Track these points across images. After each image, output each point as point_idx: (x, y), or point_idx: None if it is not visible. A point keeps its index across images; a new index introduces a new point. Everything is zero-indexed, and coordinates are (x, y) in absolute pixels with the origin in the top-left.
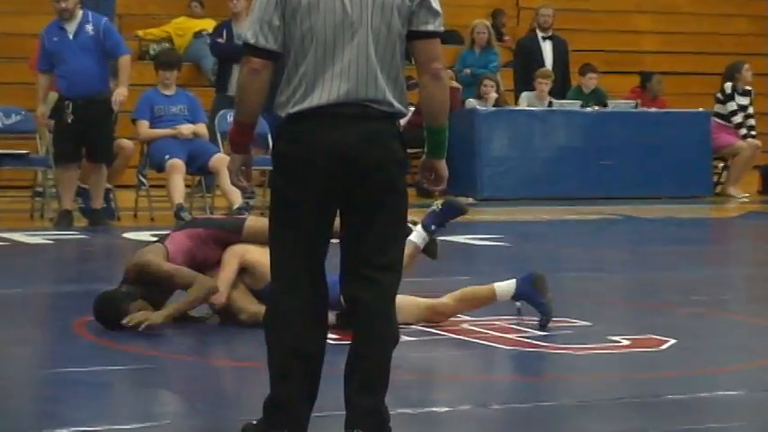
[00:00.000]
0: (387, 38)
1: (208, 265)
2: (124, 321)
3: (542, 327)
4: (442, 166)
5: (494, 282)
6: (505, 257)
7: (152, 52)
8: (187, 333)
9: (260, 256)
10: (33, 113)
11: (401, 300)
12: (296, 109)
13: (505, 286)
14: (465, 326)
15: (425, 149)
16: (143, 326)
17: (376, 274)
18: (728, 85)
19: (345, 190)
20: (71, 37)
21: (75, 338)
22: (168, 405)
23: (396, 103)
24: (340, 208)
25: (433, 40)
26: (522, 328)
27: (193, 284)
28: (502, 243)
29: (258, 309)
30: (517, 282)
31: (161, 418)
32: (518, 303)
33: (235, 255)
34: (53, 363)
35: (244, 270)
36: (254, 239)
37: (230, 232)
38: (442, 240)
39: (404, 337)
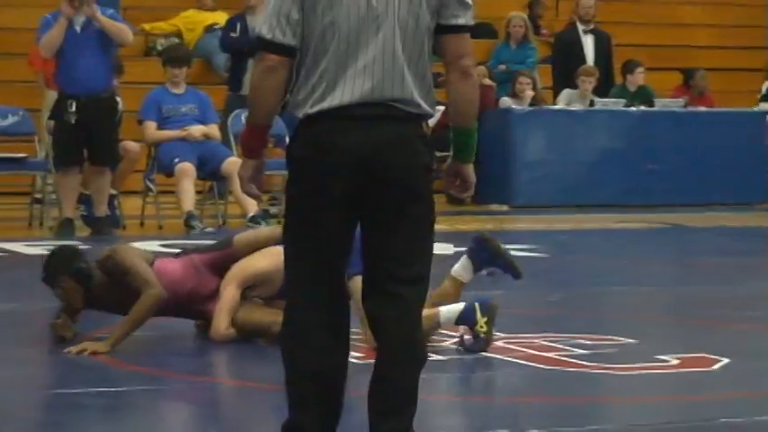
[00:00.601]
0: (414, 32)
1: (200, 297)
2: (66, 350)
3: (516, 277)
4: (470, 171)
5: (533, 294)
6: (542, 270)
7: (159, 48)
8: (198, 352)
9: (260, 262)
10: (32, 114)
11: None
12: (315, 109)
13: (462, 268)
14: (500, 344)
15: (452, 153)
16: (87, 353)
17: (400, 289)
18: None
19: (367, 197)
20: (78, 30)
21: (77, 358)
22: (178, 430)
23: (423, 104)
24: (361, 217)
25: (462, 35)
26: (562, 346)
27: (140, 293)
28: (538, 254)
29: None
30: (469, 256)
31: None
32: (485, 272)
33: (231, 279)
34: (54, 384)
35: (252, 287)
36: (248, 249)
37: (221, 249)
38: None
39: (432, 356)
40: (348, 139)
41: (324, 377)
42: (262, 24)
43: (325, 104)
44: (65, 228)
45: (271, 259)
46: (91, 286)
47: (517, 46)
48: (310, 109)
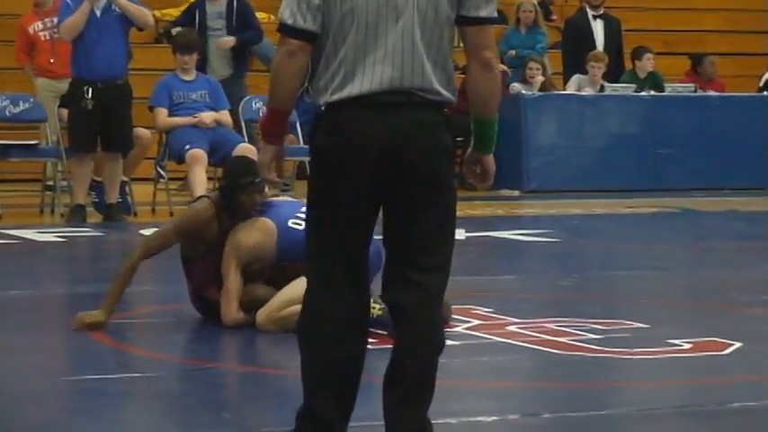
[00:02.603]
0: (434, 21)
1: None
2: (74, 329)
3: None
4: (490, 161)
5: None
6: (555, 254)
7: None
8: (213, 337)
9: (251, 238)
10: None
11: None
12: (335, 97)
13: None
14: (512, 328)
15: (472, 143)
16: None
17: (421, 276)
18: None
19: (390, 185)
20: (98, 14)
21: (91, 344)
22: (193, 415)
23: (443, 92)
24: (383, 205)
25: (484, 27)
26: (575, 332)
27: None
28: (551, 239)
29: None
30: None
31: (185, 429)
32: None
33: (229, 262)
34: (69, 370)
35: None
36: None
37: None
38: (485, 236)
39: (447, 341)
40: (370, 126)
41: (340, 365)
42: (283, 9)
43: (345, 93)
44: (76, 214)
45: (258, 232)
46: None
47: (527, 31)
48: (330, 97)
